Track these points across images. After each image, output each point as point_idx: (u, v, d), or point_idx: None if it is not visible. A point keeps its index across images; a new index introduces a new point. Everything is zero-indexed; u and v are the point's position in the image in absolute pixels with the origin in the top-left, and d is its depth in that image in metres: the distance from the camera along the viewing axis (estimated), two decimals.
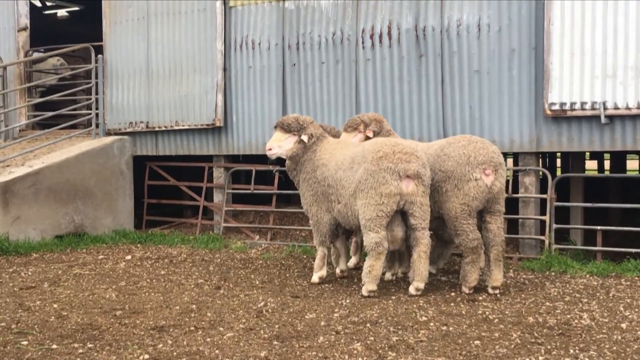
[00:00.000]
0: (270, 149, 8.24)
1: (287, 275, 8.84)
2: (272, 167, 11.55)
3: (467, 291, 7.58)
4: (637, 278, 8.05)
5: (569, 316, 6.58)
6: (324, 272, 8.28)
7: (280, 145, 8.20)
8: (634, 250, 8.90)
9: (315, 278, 8.26)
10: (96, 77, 12.98)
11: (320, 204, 8.08)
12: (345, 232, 8.38)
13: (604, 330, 6.14)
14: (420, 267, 7.37)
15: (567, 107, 9.00)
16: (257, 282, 8.43)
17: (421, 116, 10.24)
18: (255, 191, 11.76)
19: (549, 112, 9.13)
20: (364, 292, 7.45)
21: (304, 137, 8.11)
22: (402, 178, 7.25)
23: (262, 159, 12.55)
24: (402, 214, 7.43)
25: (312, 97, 11.14)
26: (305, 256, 9.97)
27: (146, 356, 5.61)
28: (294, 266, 9.38)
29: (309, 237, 11.17)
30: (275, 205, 11.70)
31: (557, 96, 9.05)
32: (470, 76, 9.84)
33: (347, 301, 7.32)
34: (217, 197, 12.30)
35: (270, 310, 6.97)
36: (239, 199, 12.77)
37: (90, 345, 5.92)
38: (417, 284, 7.43)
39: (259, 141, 11.57)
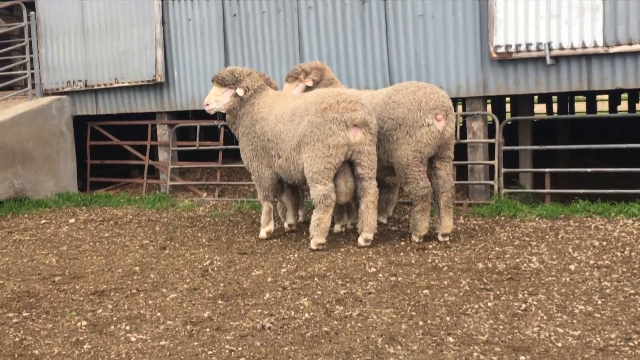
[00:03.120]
0: (207, 104, 8.08)
1: (235, 232, 8.69)
2: (216, 122, 11.30)
3: (417, 240, 7.50)
4: (585, 219, 8.05)
5: (518, 260, 6.54)
6: (271, 227, 8.13)
7: (217, 100, 8.03)
8: (582, 191, 8.90)
9: (262, 233, 8.11)
10: (29, 36, 12.50)
11: (261, 158, 7.91)
12: (290, 186, 8.21)
13: (552, 273, 6.10)
14: (369, 218, 7.25)
15: (513, 49, 8.87)
16: (204, 240, 8.27)
17: (366, 64, 10.03)
18: (201, 147, 11.51)
19: (494, 55, 8.99)
20: (313, 245, 7.33)
21: (239, 91, 7.92)
22: (350, 127, 7.10)
23: (207, 113, 12.26)
24: (349, 165, 7.29)
25: (255, 49, 10.84)
26: (254, 212, 9.82)
27: (84, 322, 5.40)
28: (242, 222, 9.24)
29: None
30: (222, 161, 11.48)
31: (503, 38, 8.91)
32: (415, 20, 9.63)
33: (295, 256, 7.19)
34: (162, 155, 12.03)
35: (216, 269, 6.81)
36: (185, 156, 12.51)
37: (25, 314, 5.68)
38: (366, 235, 7.32)
39: (202, 96, 11.25)
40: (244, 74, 8.01)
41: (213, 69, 11.10)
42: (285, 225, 8.40)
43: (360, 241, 7.38)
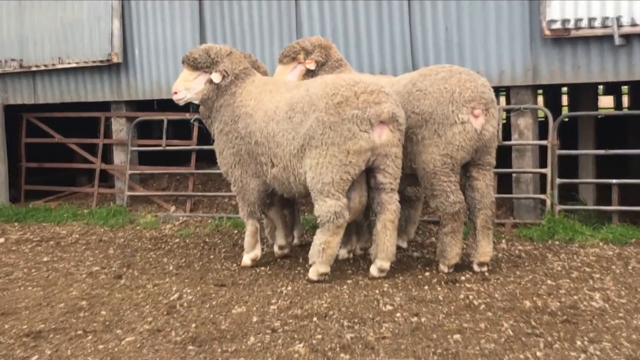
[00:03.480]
0: (175, 92, 8.09)
1: (211, 257, 8.70)
2: (189, 116, 11.32)
3: (446, 270, 7.50)
4: None
5: (576, 297, 6.54)
6: (257, 252, 8.13)
7: (187, 87, 8.03)
8: None
9: (246, 260, 8.11)
10: None
11: (245, 166, 7.91)
12: (281, 200, 8.22)
13: (620, 314, 6.10)
14: (386, 241, 7.25)
15: (572, 25, 8.88)
16: (171, 268, 8.28)
17: (382, 42, 10.05)
18: (169, 148, 11.53)
19: (548, 32, 9.01)
20: (313, 275, 7.32)
21: (215, 76, 7.93)
22: (375, 126, 7.09)
23: (176, 104, 12.26)
24: (366, 172, 7.31)
25: (239, 21, 10.88)
26: (235, 232, 9.84)
27: None
28: (220, 245, 9.26)
29: None
30: (195, 165, 11.50)
31: (559, 11, 8.93)
32: None
33: (289, 289, 7.19)
34: (119, 157, 12.06)
35: (186, 305, 6.82)
36: (148, 158, 12.52)
37: None
38: (380, 263, 7.32)
39: (170, 82, 11.27)
40: (222, 54, 8.00)
41: (185, 46, 11.13)
42: (275, 248, 8.41)
43: (373, 271, 7.38)
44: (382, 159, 7.17)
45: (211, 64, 7.94)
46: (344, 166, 7.07)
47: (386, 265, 7.34)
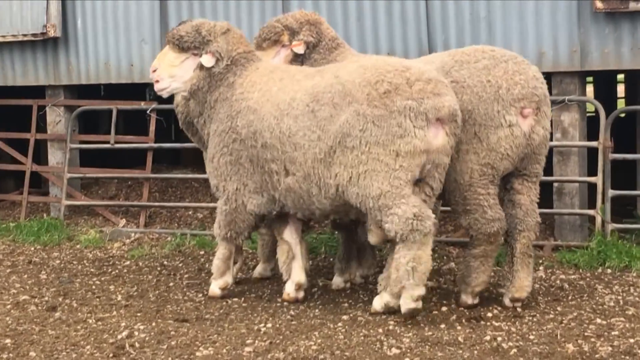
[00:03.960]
0: (157, 81, 7.97)
1: (171, 284, 8.71)
2: (145, 105, 11.30)
3: (469, 301, 7.53)
4: None
5: (632, 341, 6.54)
6: (228, 279, 8.14)
7: (172, 73, 7.94)
8: None
9: (214, 289, 8.13)
10: None
11: (245, 178, 7.76)
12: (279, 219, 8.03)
13: None
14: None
15: None
16: (120, 298, 8.27)
17: (391, 16, 10.07)
18: (119, 145, 11.51)
19: (600, 4, 9.03)
20: (408, 303, 7.04)
21: (205, 59, 7.83)
22: (431, 123, 7.04)
23: (129, 90, 12.22)
24: None
25: None
26: (202, 252, 9.86)
27: None
28: (182, 269, 9.27)
29: (209, 220, 11.07)
30: (152, 168, 11.48)
31: None
32: None
33: (268, 326, 7.21)
34: (55, 156, 12.04)
35: (137, 345, 6.80)
36: (92, 158, 12.51)
37: None
38: (386, 299, 7.31)
39: (121, 62, 11.31)
40: (217, 32, 7.92)
41: (141, 18, 11.18)
42: (289, 288, 8.02)
43: (376, 305, 7.38)
44: (433, 169, 7.10)
45: (202, 44, 7.88)
46: (392, 171, 6.97)
47: (392, 302, 7.23)
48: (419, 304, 7.00)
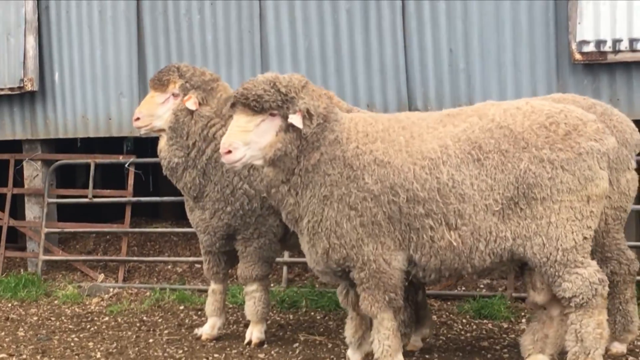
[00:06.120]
0: (228, 151, 6.73)
1: (150, 341, 8.61)
2: (123, 159, 11.26)
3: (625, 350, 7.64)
4: None
5: None
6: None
7: (247, 140, 6.73)
8: None
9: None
10: None
11: (384, 237, 6.94)
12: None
13: None
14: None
15: (608, 47, 8.96)
16: (99, 355, 8.17)
17: (370, 67, 10.06)
18: (97, 199, 11.46)
19: (578, 55, 9.07)
20: None
21: (296, 120, 6.72)
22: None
23: (107, 143, 12.19)
24: None
25: (189, 40, 10.90)
26: (181, 307, 9.77)
27: None
28: (162, 325, 9.18)
29: (188, 274, 11.01)
30: (130, 222, 11.44)
31: (592, 30, 9.01)
32: (450, 1, 9.75)
33: None
34: (33, 211, 11.97)
35: None
36: (69, 213, 12.44)
37: None
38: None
39: (99, 115, 11.27)
40: (297, 87, 6.90)
41: (119, 70, 11.16)
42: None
43: None
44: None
45: (284, 103, 6.77)
46: (585, 220, 6.69)
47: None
48: None
